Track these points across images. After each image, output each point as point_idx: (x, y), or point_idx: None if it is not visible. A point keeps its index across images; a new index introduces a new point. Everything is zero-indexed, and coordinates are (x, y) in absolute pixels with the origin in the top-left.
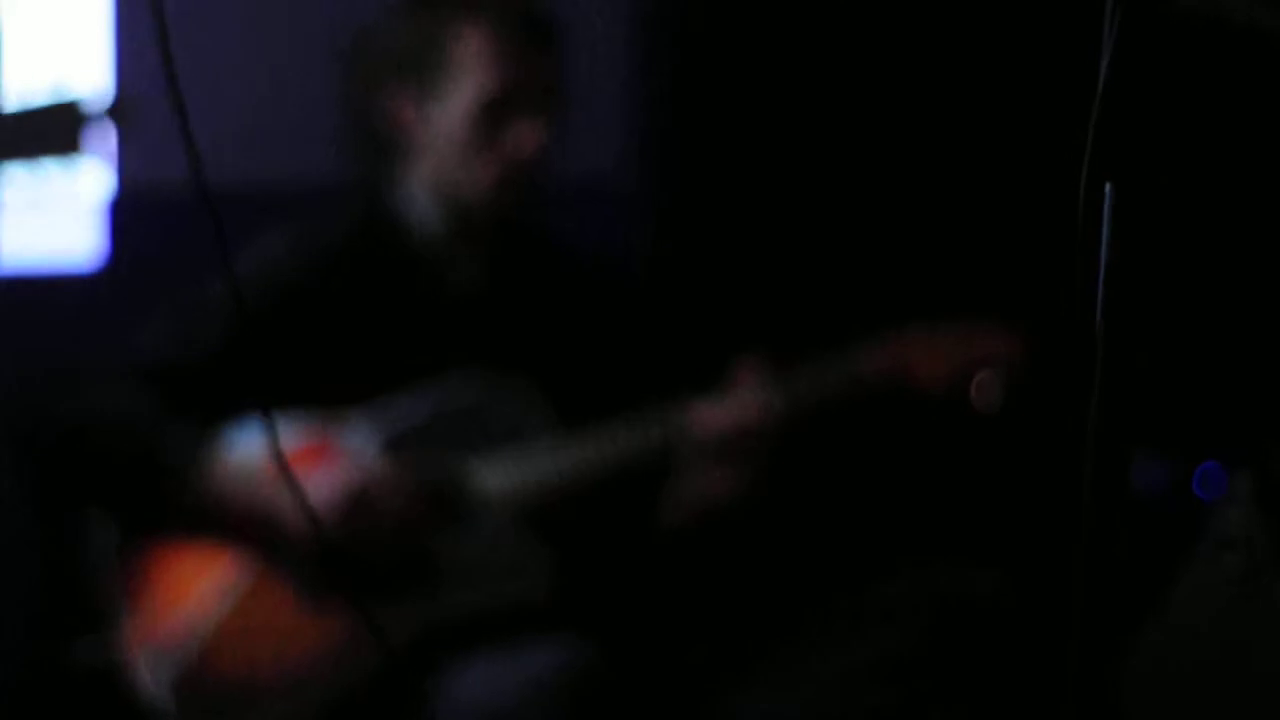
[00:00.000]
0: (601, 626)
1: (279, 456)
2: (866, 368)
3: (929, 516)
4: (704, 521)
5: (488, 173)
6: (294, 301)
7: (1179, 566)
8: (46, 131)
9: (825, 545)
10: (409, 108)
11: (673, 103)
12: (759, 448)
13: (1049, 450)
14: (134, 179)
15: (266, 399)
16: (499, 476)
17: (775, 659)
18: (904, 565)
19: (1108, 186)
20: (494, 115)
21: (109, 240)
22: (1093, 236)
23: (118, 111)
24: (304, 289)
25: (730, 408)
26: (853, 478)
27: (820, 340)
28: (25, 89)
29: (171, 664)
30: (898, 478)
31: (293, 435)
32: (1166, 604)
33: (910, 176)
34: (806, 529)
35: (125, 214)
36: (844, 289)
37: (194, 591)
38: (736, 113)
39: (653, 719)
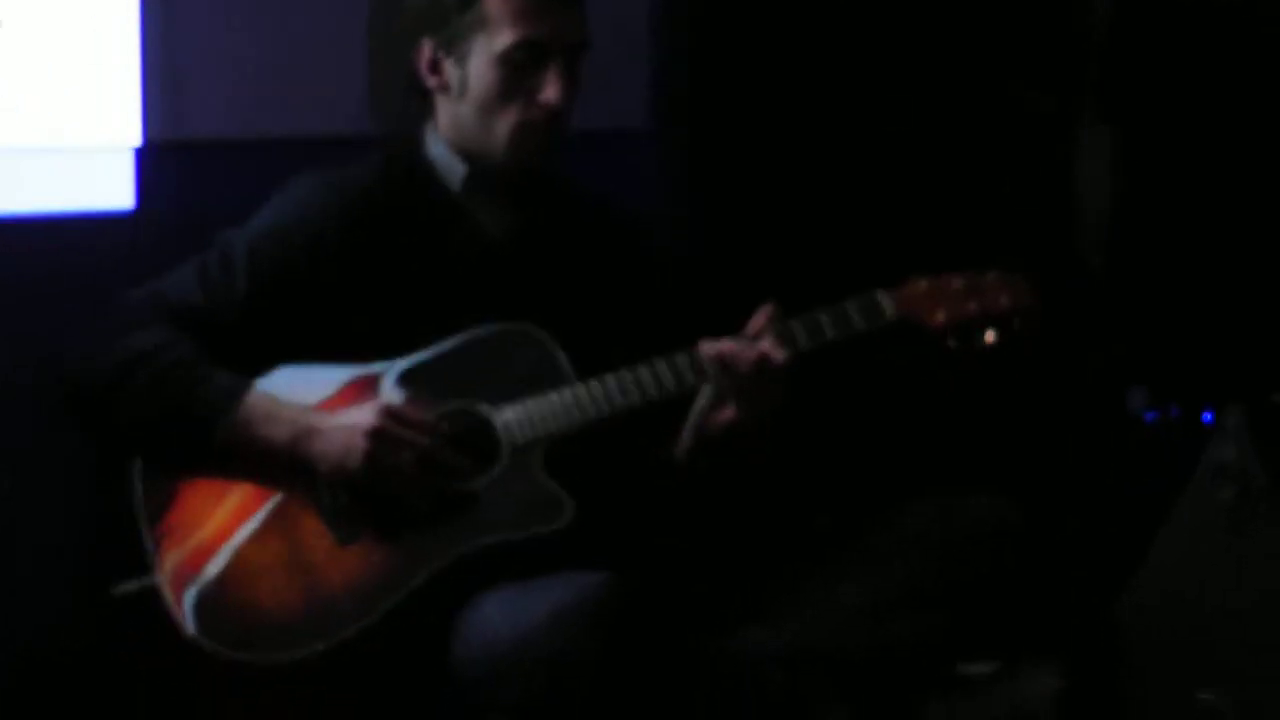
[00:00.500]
0: (621, 558)
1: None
2: (880, 310)
3: (941, 449)
4: (723, 455)
5: (513, 125)
6: (322, 247)
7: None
8: None
9: (839, 477)
10: (437, 60)
11: (695, 56)
12: (775, 383)
13: (1054, 383)
14: (162, 126)
15: (295, 345)
16: (522, 418)
17: (791, 590)
18: (917, 495)
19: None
20: (519, 68)
21: (139, 185)
22: (1094, 179)
23: None
24: (332, 235)
25: (746, 345)
26: (865, 411)
27: (835, 288)
28: None
29: (195, 589)
30: (908, 411)
31: (321, 380)
32: (1165, 531)
33: (921, 124)
34: (821, 461)
35: (155, 160)
36: (859, 238)
37: (217, 518)
38: (757, 67)
39: (671, 648)
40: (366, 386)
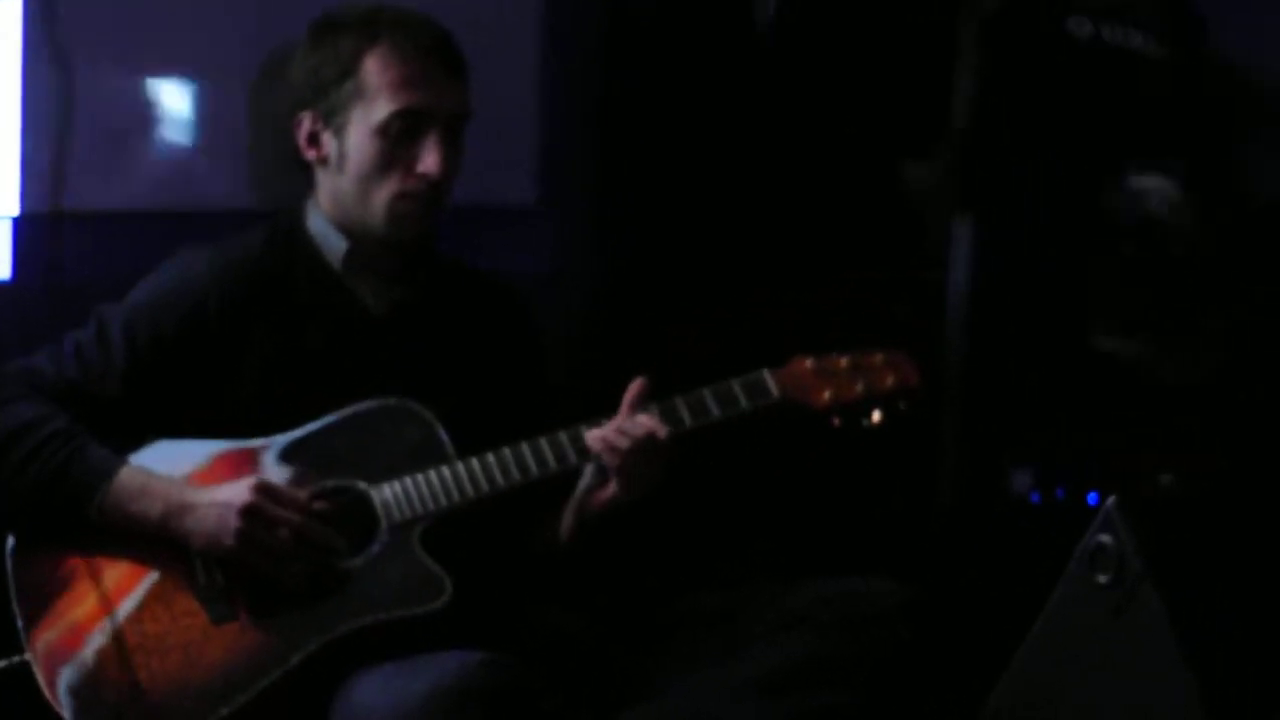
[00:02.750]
0: (502, 638)
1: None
2: (766, 389)
3: (825, 529)
4: (601, 533)
5: (391, 196)
6: (201, 322)
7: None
8: None
9: (722, 556)
10: (315, 133)
11: (581, 127)
12: (658, 460)
13: (930, 463)
14: (39, 197)
15: (173, 419)
16: (401, 496)
17: (679, 668)
18: (806, 575)
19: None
20: (397, 139)
21: (15, 255)
22: (955, 266)
23: None
24: (212, 310)
25: (631, 424)
26: (746, 490)
27: (721, 364)
28: None
29: (70, 669)
30: (791, 490)
31: (195, 454)
32: (1043, 614)
33: (807, 196)
34: (702, 540)
35: (31, 230)
36: (745, 313)
37: (92, 597)
38: (644, 138)
39: None
40: (244, 461)
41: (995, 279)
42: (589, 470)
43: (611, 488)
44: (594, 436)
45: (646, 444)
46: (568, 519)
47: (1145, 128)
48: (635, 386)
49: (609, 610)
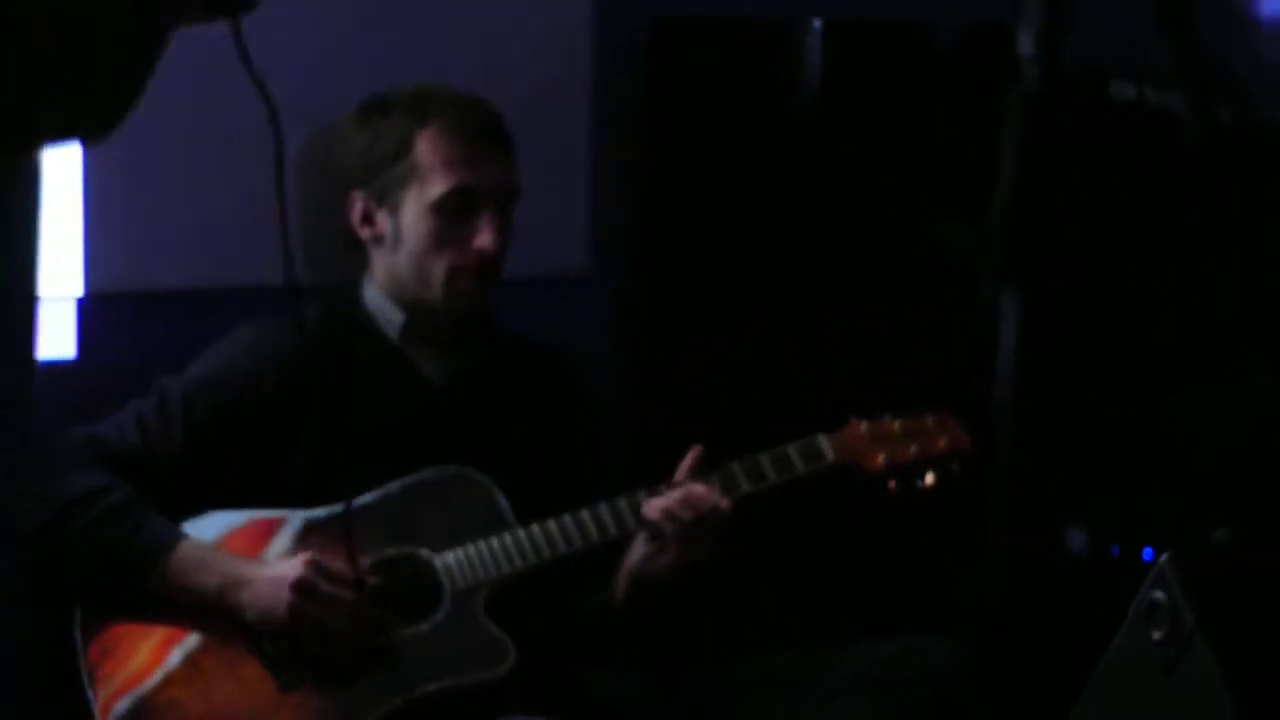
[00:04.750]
0: (563, 703)
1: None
2: (821, 453)
3: (880, 589)
4: (661, 598)
5: (447, 271)
6: (259, 395)
7: (1110, 636)
8: None
9: (780, 619)
10: (369, 212)
11: (633, 199)
12: (708, 532)
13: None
14: (103, 277)
15: (233, 491)
16: (463, 563)
17: None
18: (860, 636)
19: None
20: (452, 216)
21: (79, 334)
22: (1003, 335)
23: None
24: (269, 384)
25: (691, 494)
26: (805, 554)
27: (776, 429)
28: None
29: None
30: (848, 553)
31: (256, 524)
32: (1098, 671)
33: (855, 266)
34: (761, 604)
35: (95, 310)
36: (799, 380)
37: (144, 649)
38: (695, 208)
39: None
40: (300, 532)
41: (1043, 345)
42: (642, 535)
43: (672, 554)
44: (654, 507)
45: (709, 515)
46: (621, 584)
47: (1185, 192)
48: (692, 454)
49: (667, 673)
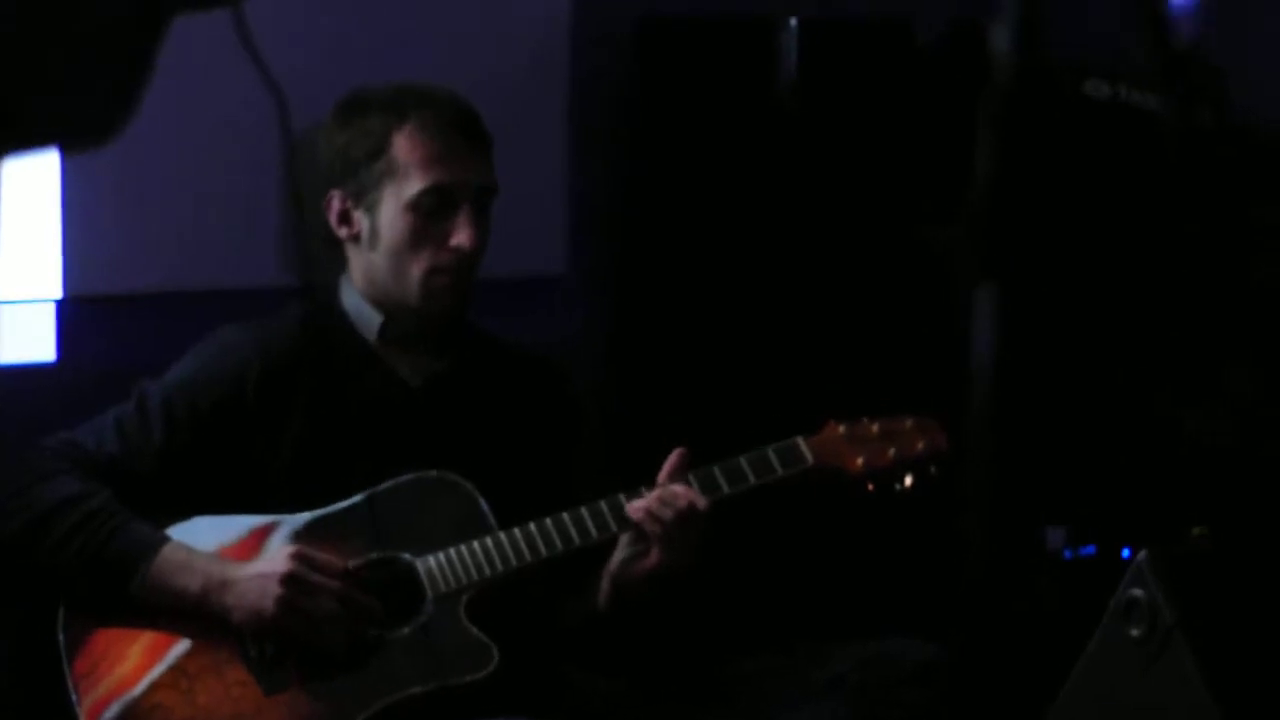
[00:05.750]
0: (545, 704)
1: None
2: (800, 455)
3: (858, 591)
4: (645, 601)
5: (424, 271)
6: (239, 398)
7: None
8: None
9: (760, 621)
10: (346, 211)
11: (611, 198)
12: (697, 529)
13: (964, 526)
14: (82, 280)
15: (213, 494)
16: (445, 566)
17: None
18: (835, 639)
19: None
20: (429, 215)
21: (59, 337)
22: (979, 332)
23: None
24: (250, 386)
25: (671, 494)
26: (783, 555)
27: (754, 430)
28: None
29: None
30: (826, 554)
31: (232, 530)
32: (1077, 668)
33: (834, 266)
34: (743, 604)
35: (75, 313)
36: (775, 383)
37: (131, 655)
38: (674, 207)
39: None
40: (284, 537)
41: (1021, 340)
42: (624, 540)
43: (653, 556)
44: (635, 508)
45: (688, 514)
46: (604, 588)
47: (1164, 191)
48: (674, 457)
49: (649, 675)
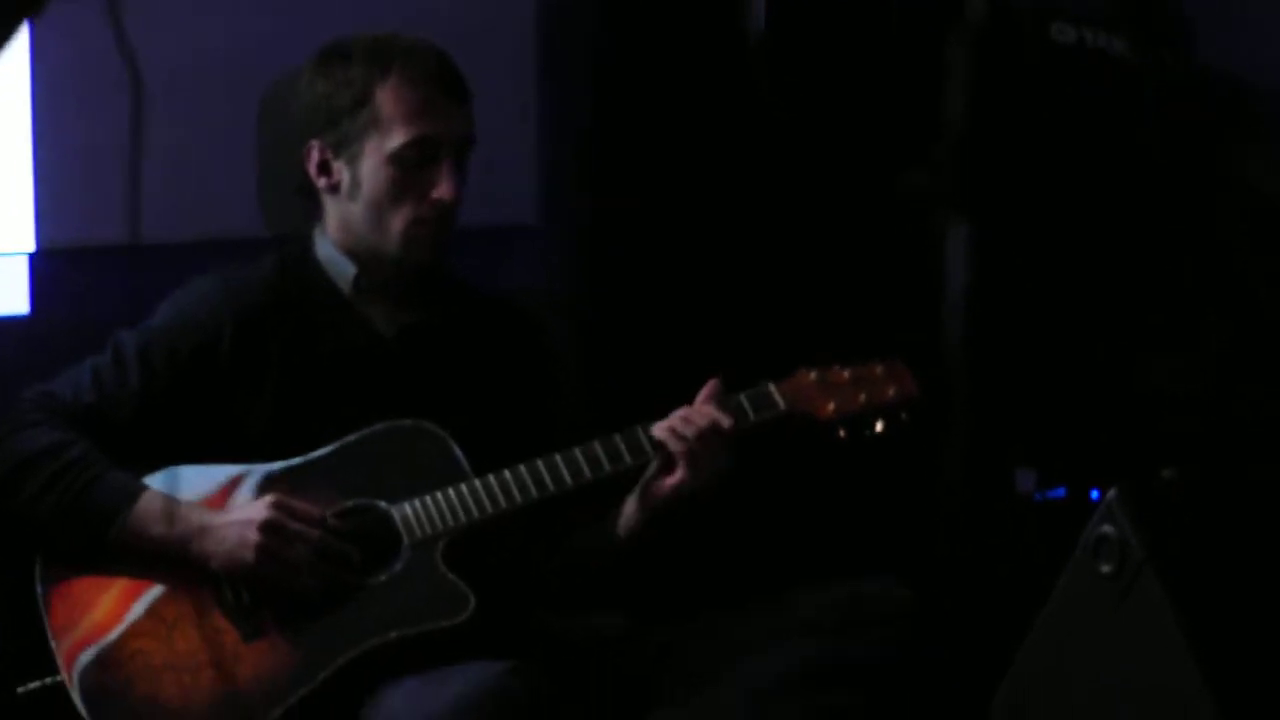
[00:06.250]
0: (522, 648)
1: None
2: (772, 401)
3: (829, 534)
4: (668, 525)
5: (406, 223)
6: (214, 348)
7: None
8: None
9: (738, 560)
10: (326, 161)
11: (581, 149)
12: (721, 450)
13: (937, 466)
14: (55, 232)
15: (189, 443)
16: (420, 514)
17: (685, 678)
18: (811, 579)
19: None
20: (411, 167)
21: (33, 290)
22: (951, 269)
23: None
24: (225, 336)
25: (695, 411)
26: (754, 500)
27: (725, 378)
28: None
29: (80, 672)
30: (795, 495)
31: (211, 479)
32: (1048, 605)
33: (805, 211)
34: (714, 551)
35: (48, 265)
36: (747, 328)
37: (106, 601)
38: (643, 160)
39: None
40: (259, 485)
41: (992, 282)
42: (653, 465)
43: (677, 473)
44: (660, 426)
45: (711, 432)
46: (630, 513)
47: (1129, 135)
48: (710, 385)
49: (627, 619)
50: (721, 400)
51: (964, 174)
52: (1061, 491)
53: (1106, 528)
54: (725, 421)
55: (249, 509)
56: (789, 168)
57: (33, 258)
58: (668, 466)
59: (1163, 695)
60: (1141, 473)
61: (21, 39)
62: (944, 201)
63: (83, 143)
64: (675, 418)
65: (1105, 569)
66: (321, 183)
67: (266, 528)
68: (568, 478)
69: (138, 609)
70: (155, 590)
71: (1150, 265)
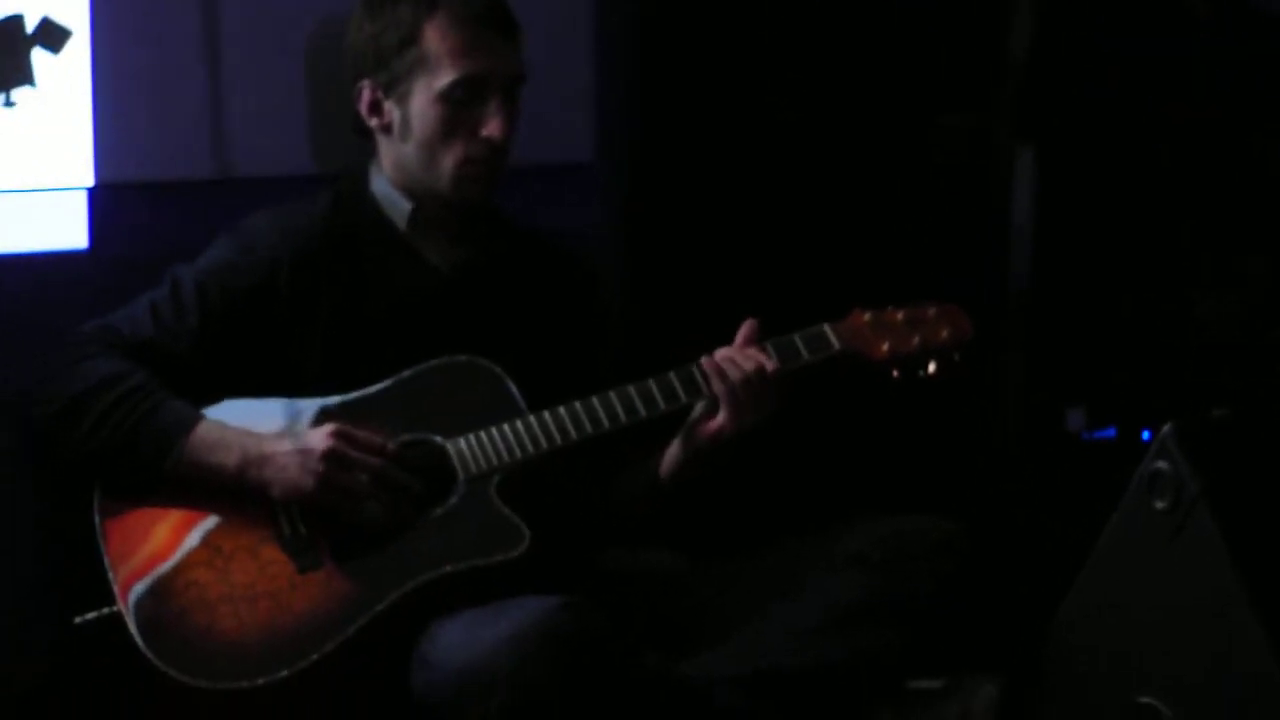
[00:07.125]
0: (576, 583)
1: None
2: (827, 342)
3: (882, 471)
4: (710, 467)
5: (457, 161)
6: (271, 283)
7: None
8: None
9: (788, 500)
10: (377, 101)
11: (636, 87)
12: (767, 392)
13: (986, 403)
14: (114, 168)
15: (246, 378)
16: (475, 449)
17: (741, 612)
18: (860, 515)
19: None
20: (461, 105)
21: (92, 225)
22: (1017, 200)
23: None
24: (281, 272)
25: (741, 353)
26: (808, 438)
27: (778, 318)
28: None
29: (135, 602)
30: (849, 433)
31: (269, 412)
32: (1101, 541)
33: (854, 153)
34: (771, 485)
35: (107, 200)
36: (800, 271)
37: (162, 531)
38: (699, 98)
39: (626, 671)
40: (315, 418)
41: (1054, 218)
42: (698, 407)
43: (720, 416)
44: (706, 361)
45: (754, 375)
46: (673, 454)
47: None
48: (746, 327)
49: (679, 554)
50: (773, 341)
51: (1029, 100)
52: (1112, 431)
53: (1161, 463)
54: (770, 365)
55: (310, 437)
56: (844, 109)
57: (92, 192)
58: (712, 408)
59: (1215, 628)
60: (1194, 411)
61: None
62: (998, 140)
63: (144, 77)
64: (720, 358)
65: (1160, 504)
66: (374, 122)
67: (329, 455)
68: (622, 414)
69: (193, 539)
70: (211, 521)
71: (1202, 203)
